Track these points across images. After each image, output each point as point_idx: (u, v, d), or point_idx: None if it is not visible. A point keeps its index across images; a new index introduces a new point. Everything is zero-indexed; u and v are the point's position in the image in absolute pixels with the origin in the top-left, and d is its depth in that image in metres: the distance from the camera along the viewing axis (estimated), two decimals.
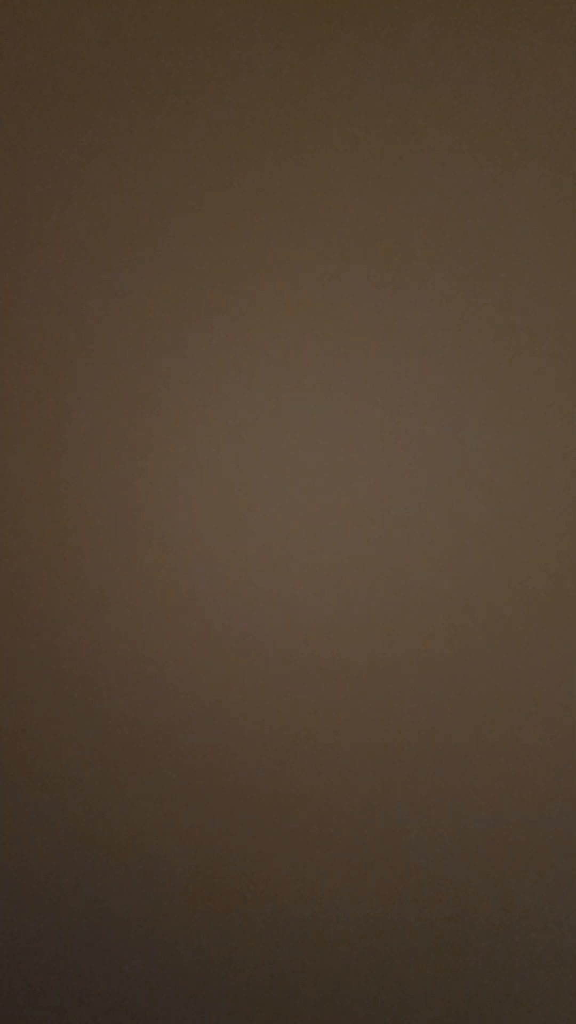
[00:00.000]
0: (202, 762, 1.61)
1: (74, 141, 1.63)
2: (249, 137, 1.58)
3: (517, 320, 1.51)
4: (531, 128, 1.50)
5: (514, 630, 1.51)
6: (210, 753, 1.61)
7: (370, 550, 1.55)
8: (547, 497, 1.51)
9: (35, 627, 1.66)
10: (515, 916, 1.52)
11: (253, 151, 1.57)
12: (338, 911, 1.57)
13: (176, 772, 1.62)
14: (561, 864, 1.51)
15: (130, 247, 1.62)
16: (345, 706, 1.57)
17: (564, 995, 1.51)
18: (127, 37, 1.61)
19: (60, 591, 1.64)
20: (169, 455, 1.61)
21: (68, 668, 1.64)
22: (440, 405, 1.53)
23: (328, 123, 1.55)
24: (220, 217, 1.59)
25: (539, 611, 1.51)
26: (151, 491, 1.61)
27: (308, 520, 1.57)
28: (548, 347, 1.50)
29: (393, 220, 1.53)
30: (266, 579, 1.58)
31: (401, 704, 1.55)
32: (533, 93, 1.50)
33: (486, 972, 1.53)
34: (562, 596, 1.50)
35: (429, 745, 1.54)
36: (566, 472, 1.50)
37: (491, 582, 1.52)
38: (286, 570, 1.57)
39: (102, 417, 1.63)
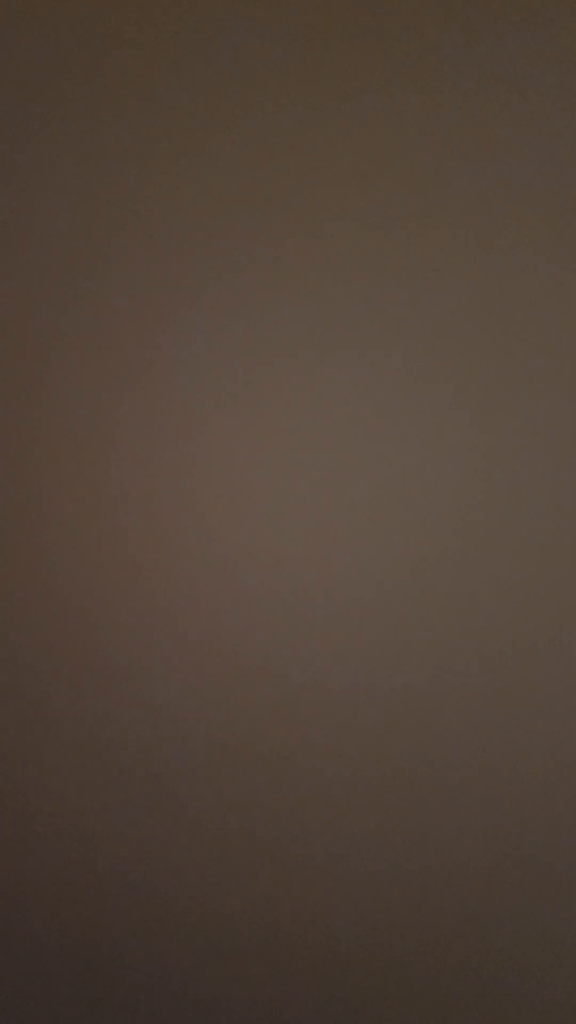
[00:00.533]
0: (202, 776, 1.61)
1: (74, 131, 1.63)
2: (249, 130, 1.58)
3: (521, 315, 1.51)
4: (532, 125, 1.50)
5: (518, 633, 1.51)
6: (210, 767, 1.61)
7: (370, 553, 1.55)
8: (552, 492, 1.51)
9: (32, 639, 1.66)
10: (516, 926, 1.52)
11: (253, 146, 1.58)
12: (340, 930, 1.57)
13: (176, 786, 1.62)
14: (562, 873, 1.51)
15: (128, 238, 1.62)
16: (346, 714, 1.56)
17: (565, 1002, 1.51)
18: (127, 34, 1.61)
19: (57, 601, 1.65)
20: (167, 457, 1.61)
21: (67, 688, 1.64)
22: (443, 400, 1.53)
23: (329, 115, 1.55)
24: (220, 208, 1.59)
25: (543, 610, 1.50)
26: (149, 492, 1.62)
27: (308, 523, 1.57)
28: (552, 341, 1.50)
29: (394, 216, 1.53)
30: (265, 584, 1.58)
31: (403, 711, 1.55)
32: (534, 92, 1.50)
33: (487, 981, 1.53)
34: (568, 595, 1.50)
35: (431, 754, 1.54)
36: (571, 468, 1.50)
37: (495, 582, 1.52)
38: (285, 574, 1.57)
39: (99, 416, 1.63)
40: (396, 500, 1.54)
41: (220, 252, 1.59)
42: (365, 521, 1.55)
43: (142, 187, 1.61)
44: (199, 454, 1.60)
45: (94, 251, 1.63)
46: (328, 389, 1.56)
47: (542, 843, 1.51)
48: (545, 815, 1.51)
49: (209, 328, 1.60)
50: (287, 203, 1.57)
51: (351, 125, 1.55)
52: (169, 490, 1.61)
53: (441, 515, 1.53)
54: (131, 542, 1.62)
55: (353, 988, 1.57)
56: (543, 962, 1.52)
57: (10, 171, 1.65)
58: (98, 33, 1.62)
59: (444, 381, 1.53)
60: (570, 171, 1.49)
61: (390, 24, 1.53)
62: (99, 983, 1.65)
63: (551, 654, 1.50)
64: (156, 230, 1.61)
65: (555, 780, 1.50)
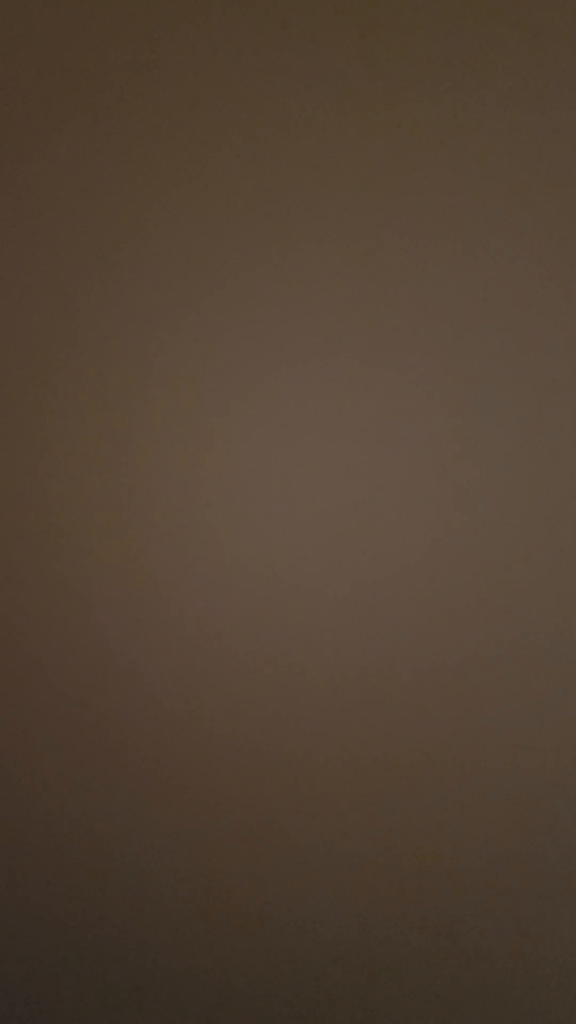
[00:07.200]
0: (200, 773, 1.61)
1: (75, 130, 1.63)
2: (248, 130, 1.58)
3: (520, 317, 1.51)
4: (531, 126, 1.50)
5: (517, 637, 1.51)
6: (208, 764, 1.60)
7: (369, 556, 1.55)
8: (550, 496, 1.51)
9: (30, 633, 1.65)
10: (514, 928, 1.52)
11: (252, 146, 1.58)
12: (336, 929, 1.57)
13: (173, 783, 1.62)
14: (560, 878, 1.51)
15: (128, 238, 1.62)
16: (344, 716, 1.56)
17: (563, 1005, 1.51)
18: (126, 34, 1.61)
19: (54, 596, 1.64)
20: (166, 457, 1.61)
21: (65, 677, 1.64)
22: (441, 401, 1.53)
23: (327, 118, 1.55)
24: (219, 209, 1.59)
25: (543, 615, 1.51)
26: (147, 490, 1.61)
27: (306, 524, 1.57)
28: (551, 344, 1.50)
29: (393, 217, 1.53)
30: (263, 585, 1.58)
31: (400, 715, 1.55)
32: (534, 93, 1.50)
33: (484, 984, 1.53)
34: (567, 598, 1.50)
35: (428, 756, 1.54)
36: (570, 469, 1.50)
37: (494, 585, 1.52)
38: (283, 575, 1.57)
39: (98, 416, 1.63)
40: (395, 500, 1.54)
41: (221, 258, 1.59)
42: (363, 519, 1.55)
43: (144, 190, 1.61)
44: (200, 451, 1.60)
45: (97, 255, 1.63)
46: (328, 388, 1.56)
47: (541, 838, 1.51)
48: (545, 810, 1.51)
49: (211, 331, 1.60)
50: (288, 207, 1.57)
51: (352, 128, 1.55)
52: (171, 486, 1.61)
53: (439, 514, 1.53)
54: (132, 538, 1.62)
55: (349, 976, 1.57)
56: (544, 957, 1.52)
57: (13, 174, 1.65)
58: (98, 34, 1.62)
59: (443, 384, 1.53)
60: (571, 174, 1.49)
61: (391, 28, 1.53)
62: (95, 969, 1.65)
63: (549, 651, 1.50)
64: (157, 234, 1.61)
65: (554, 774, 1.51)
